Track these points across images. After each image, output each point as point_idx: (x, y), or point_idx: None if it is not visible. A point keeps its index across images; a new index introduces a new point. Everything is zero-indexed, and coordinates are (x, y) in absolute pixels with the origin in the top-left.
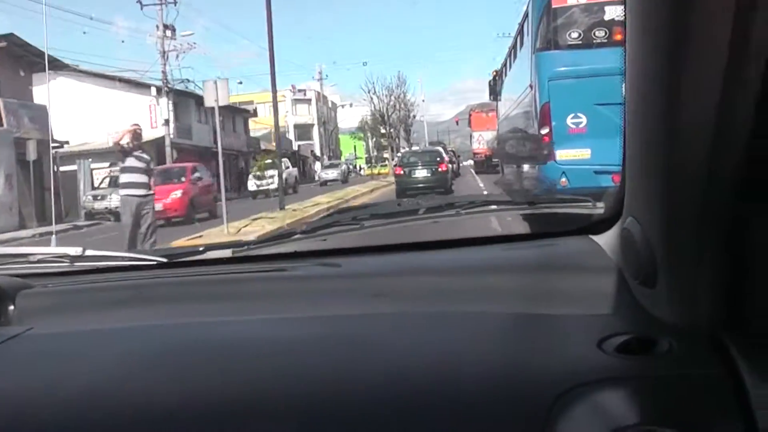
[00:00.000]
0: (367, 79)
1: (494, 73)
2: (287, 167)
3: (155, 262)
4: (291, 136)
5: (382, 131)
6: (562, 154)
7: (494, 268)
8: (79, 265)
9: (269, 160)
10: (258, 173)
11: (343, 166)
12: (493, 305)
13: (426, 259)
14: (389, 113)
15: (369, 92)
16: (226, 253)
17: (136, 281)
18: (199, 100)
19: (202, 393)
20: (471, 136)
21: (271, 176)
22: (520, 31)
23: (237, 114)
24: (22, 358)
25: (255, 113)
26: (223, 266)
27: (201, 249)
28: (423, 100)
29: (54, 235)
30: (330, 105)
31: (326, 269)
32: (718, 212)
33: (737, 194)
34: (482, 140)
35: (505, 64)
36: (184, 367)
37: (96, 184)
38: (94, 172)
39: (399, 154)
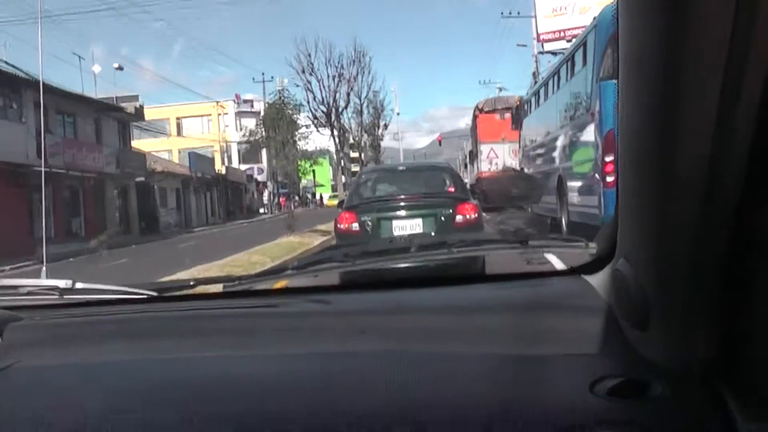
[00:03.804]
0: (299, 50)
1: (517, 102)
2: None
3: (145, 296)
4: (234, 156)
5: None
6: None
7: (485, 307)
8: (69, 297)
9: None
10: None
11: None
12: (484, 345)
13: (416, 297)
14: (338, 107)
15: (304, 71)
16: (217, 287)
17: (125, 315)
18: (3, 78)
19: (190, 430)
20: (474, 152)
21: None
22: (570, 60)
23: (104, 113)
24: (9, 392)
25: (140, 115)
26: (213, 301)
27: (191, 283)
28: (398, 113)
29: (44, 267)
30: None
31: (316, 306)
32: (710, 255)
33: (730, 237)
34: (495, 158)
35: (537, 93)
36: (172, 403)
37: None
38: None
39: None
